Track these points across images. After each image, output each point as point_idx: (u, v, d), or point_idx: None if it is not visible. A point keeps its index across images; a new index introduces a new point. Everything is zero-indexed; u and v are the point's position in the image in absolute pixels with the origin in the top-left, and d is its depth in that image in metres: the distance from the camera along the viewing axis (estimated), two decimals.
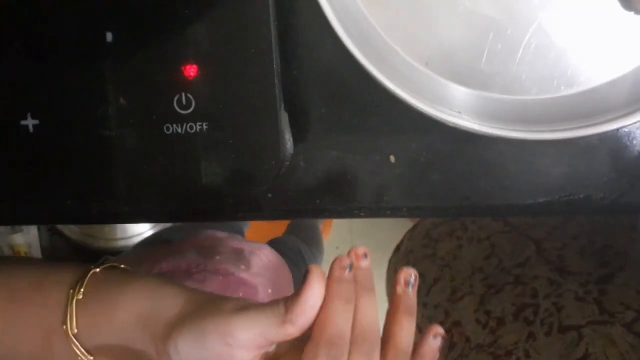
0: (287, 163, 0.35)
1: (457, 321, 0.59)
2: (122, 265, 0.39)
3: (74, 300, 0.35)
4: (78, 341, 0.35)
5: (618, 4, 0.38)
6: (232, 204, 0.39)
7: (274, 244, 0.92)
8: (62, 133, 0.33)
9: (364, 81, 0.37)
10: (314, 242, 1.10)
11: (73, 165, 0.33)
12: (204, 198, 0.37)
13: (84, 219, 0.42)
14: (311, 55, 0.39)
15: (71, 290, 0.35)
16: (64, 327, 0.34)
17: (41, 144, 0.33)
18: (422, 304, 0.66)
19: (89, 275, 0.36)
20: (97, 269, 0.38)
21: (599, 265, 0.52)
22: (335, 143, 0.40)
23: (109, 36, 0.32)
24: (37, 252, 1.00)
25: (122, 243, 1.20)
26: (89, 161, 0.33)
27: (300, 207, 0.41)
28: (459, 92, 0.39)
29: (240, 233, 0.97)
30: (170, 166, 0.33)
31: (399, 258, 0.79)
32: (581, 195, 0.40)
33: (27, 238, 0.97)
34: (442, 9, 0.39)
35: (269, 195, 0.40)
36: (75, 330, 0.34)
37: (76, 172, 0.33)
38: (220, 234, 0.71)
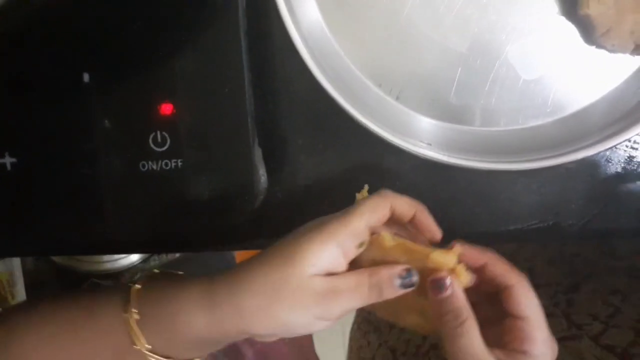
0: (262, 197, 0.36)
1: (435, 344, 0.59)
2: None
3: (134, 321, 0.35)
4: (156, 353, 0.34)
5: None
6: (211, 236, 0.39)
7: None
8: (40, 171, 0.33)
9: (338, 115, 0.38)
10: None
11: (51, 202, 0.34)
12: (182, 231, 0.38)
13: (65, 251, 0.43)
14: (287, 90, 0.40)
15: (125, 314, 0.35)
16: (136, 347, 0.34)
17: (19, 182, 0.33)
18: (399, 326, 0.67)
19: (133, 293, 0.36)
20: (139, 285, 0.37)
21: (567, 274, 0.53)
22: (312, 173, 0.41)
23: (86, 77, 0.33)
24: (19, 278, 0.99)
25: (108, 265, 1.20)
26: (66, 198, 0.34)
27: (279, 236, 0.41)
28: (430, 124, 0.40)
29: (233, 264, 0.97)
30: (146, 202, 0.33)
31: None
32: (550, 222, 0.41)
33: (7, 265, 0.96)
34: (412, 44, 0.40)
35: (247, 225, 0.41)
36: (149, 346, 0.34)
37: (54, 209, 0.34)
38: None
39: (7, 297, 0.92)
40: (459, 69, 0.40)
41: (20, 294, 0.92)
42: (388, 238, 0.34)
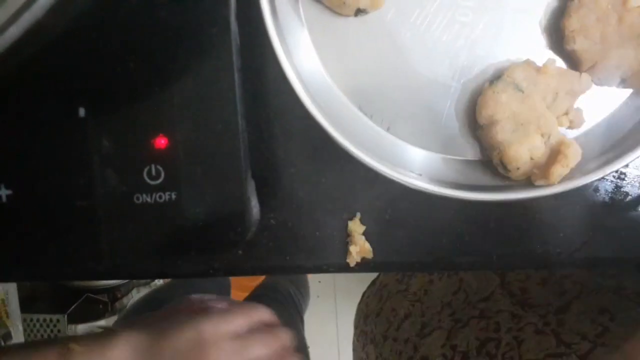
0: (254, 229, 0.37)
1: (425, 356, 0.60)
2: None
3: None
4: None
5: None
6: (205, 264, 0.40)
7: (265, 288, 0.92)
8: (35, 203, 0.34)
9: (330, 145, 0.39)
10: (301, 283, 1.11)
11: (45, 233, 0.34)
12: (176, 260, 0.38)
13: (59, 277, 0.43)
14: (280, 120, 0.41)
15: None
16: None
17: (14, 214, 0.34)
18: (392, 338, 0.67)
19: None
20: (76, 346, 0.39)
21: (558, 295, 0.54)
22: (305, 201, 0.42)
23: (82, 111, 0.34)
24: (14, 297, 0.99)
25: (103, 281, 1.20)
26: (61, 229, 0.34)
27: (271, 263, 0.42)
28: (420, 155, 0.41)
29: (228, 286, 0.98)
30: (140, 233, 0.34)
31: (373, 292, 0.80)
32: (539, 251, 0.41)
33: (3, 285, 0.97)
34: (403, 76, 0.41)
35: (240, 253, 0.41)
36: None
37: (49, 239, 0.34)
38: (208, 297, 0.70)
39: (2, 316, 0.93)
40: (449, 101, 0.41)
41: (15, 313, 0.93)
42: None
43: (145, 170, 0.34)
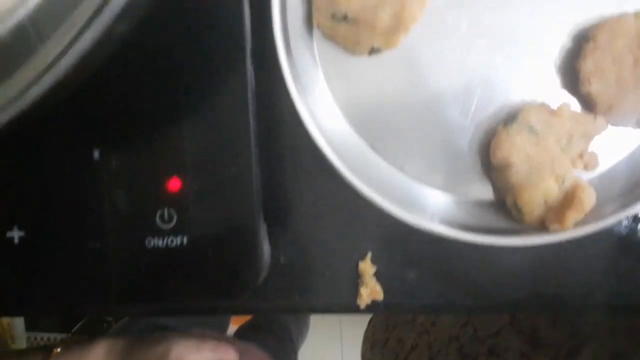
0: (265, 273, 0.36)
1: None
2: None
3: None
4: None
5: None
6: (212, 304, 0.40)
7: (263, 321, 0.91)
8: (48, 245, 0.34)
9: (342, 184, 0.39)
10: (300, 317, 1.09)
11: (57, 275, 0.34)
12: (183, 302, 0.38)
13: (69, 311, 0.43)
14: (292, 160, 0.41)
15: None
16: None
17: (26, 255, 0.34)
18: None
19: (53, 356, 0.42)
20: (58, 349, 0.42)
21: (569, 336, 0.53)
22: (315, 240, 0.42)
23: (96, 153, 0.34)
24: (20, 321, 0.99)
25: None
26: (72, 272, 0.34)
27: (279, 303, 0.41)
28: (432, 195, 0.41)
29: (227, 322, 0.97)
30: (151, 277, 0.34)
31: (380, 320, 0.79)
32: (552, 295, 0.41)
33: None
34: (416, 116, 0.41)
35: (249, 292, 0.41)
36: None
37: (60, 282, 0.34)
38: (209, 333, 0.70)
39: (7, 340, 0.92)
40: (463, 141, 0.41)
41: (20, 339, 0.92)
42: None
43: (158, 213, 0.34)
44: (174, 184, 0.34)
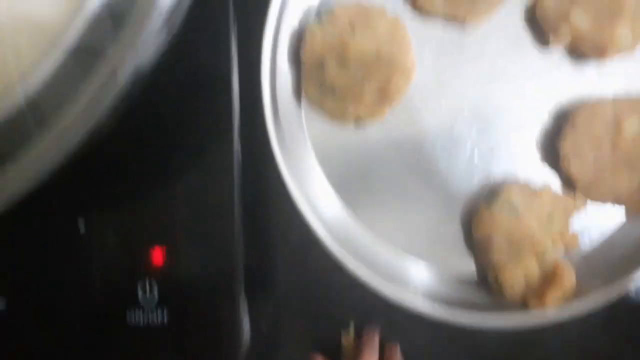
0: (244, 350, 0.36)
1: None
2: None
3: None
4: None
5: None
6: None
7: None
8: (29, 316, 0.33)
9: (325, 255, 0.39)
10: None
11: (37, 345, 0.33)
12: None
13: None
14: (276, 228, 0.41)
15: None
16: None
17: (7, 326, 0.33)
18: None
19: None
20: None
21: None
22: (298, 311, 0.41)
23: (81, 223, 0.33)
24: None
25: None
26: (54, 343, 0.33)
27: None
28: (414, 269, 0.41)
29: None
30: (131, 353, 0.33)
31: None
32: None
33: None
34: (399, 189, 0.41)
35: None
36: None
37: (41, 351, 0.33)
38: None
39: None
40: (445, 216, 0.41)
41: None
42: None
43: (139, 285, 0.33)
44: (157, 255, 0.33)
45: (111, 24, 0.23)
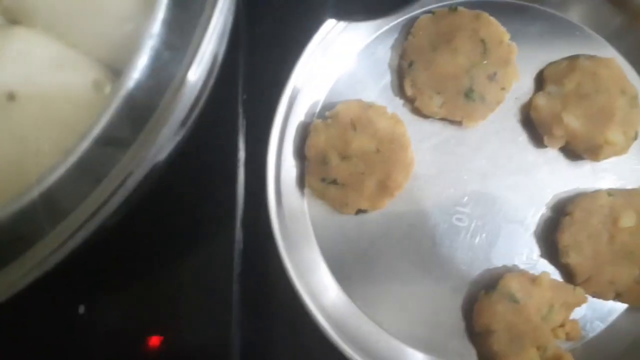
0: None
1: None
2: None
3: None
4: None
5: None
6: None
7: None
8: None
9: (324, 343, 0.39)
10: None
11: None
12: None
13: None
14: (278, 321, 0.41)
15: None
16: None
17: None
18: None
19: None
20: None
21: None
22: None
23: (82, 308, 0.34)
24: None
25: None
26: None
27: None
28: (413, 358, 0.40)
29: None
30: None
31: None
32: None
33: None
34: (398, 275, 0.42)
35: None
36: None
37: None
38: None
39: None
40: (446, 304, 0.41)
41: None
42: None
43: None
44: (154, 342, 0.34)
45: (132, 124, 0.25)
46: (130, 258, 0.36)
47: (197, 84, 0.23)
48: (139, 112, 0.24)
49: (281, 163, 0.42)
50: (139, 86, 0.24)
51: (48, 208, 0.24)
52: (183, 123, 0.25)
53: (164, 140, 0.24)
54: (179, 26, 0.24)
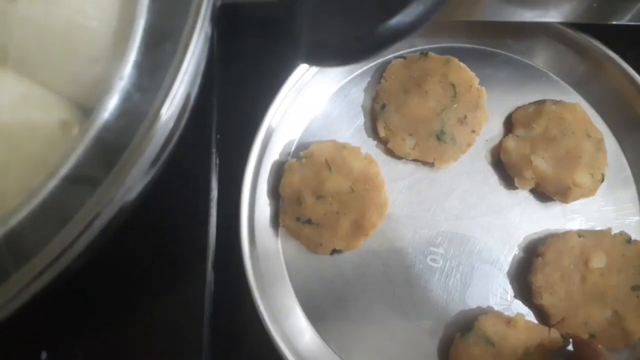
0: None
1: None
2: None
3: None
4: None
5: None
6: None
7: None
8: None
9: None
10: None
11: None
12: None
13: None
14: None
15: None
16: None
17: None
18: None
19: None
20: None
21: None
22: None
23: (44, 354, 0.33)
24: None
25: None
26: None
27: None
28: None
29: None
30: None
31: None
32: None
33: None
34: (374, 317, 0.41)
35: None
36: None
37: None
38: None
39: None
40: (421, 345, 0.41)
41: None
42: None
43: None
44: None
45: (100, 164, 0.24)
46: (96, 301, 0.35)
47: (168, 125, 0.23)
48: (108, 152, 0.23)
49: (255, 202, 0.42)
50: (108, 126, 0.23)
51: (10, 250, 0.23)
52: (153, 163, 0.25)
53: (133, 180, 0.23)
54: (151, 68, 0.24)
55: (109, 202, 0.23)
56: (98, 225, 0.23)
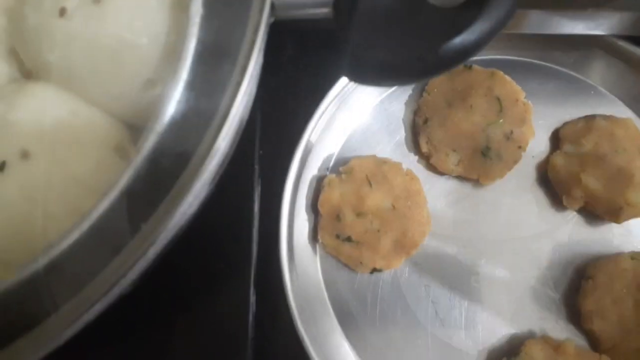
0: None
1: None
2: None
3: None
4: None
5: None
6: None
7: None
8: None
9: None
10: None
11: None
12: None
13: None
14: None
15: None
16: None
17: None
18: None
19: None
20: None
21: None
22: None
23: None
24: None
25: None
26: None
27: None
28: None
29: None
30: None
31: None
32: None
33: None
34: (416, 339, 0.40)
35: None
36: None
37: None
38: None
39: None
40: None
41: None
42: None
43: None
44: None
45: (156, 186, 0.23)
46: (137, 318, 0.34)
47: (224, 149, 0.22)
48: (162, 176, 0.23)
49: (294, 218, 0.41)
50: (163, 149, 0.22)
51: (59, 278, 0.22)
52: (207, 186, 0.24)
53: (188, 206, 0.22)
54: (206, 88, 0.23)
55: (163, 229, 0.22)
56: (152, 253, 0.22)
